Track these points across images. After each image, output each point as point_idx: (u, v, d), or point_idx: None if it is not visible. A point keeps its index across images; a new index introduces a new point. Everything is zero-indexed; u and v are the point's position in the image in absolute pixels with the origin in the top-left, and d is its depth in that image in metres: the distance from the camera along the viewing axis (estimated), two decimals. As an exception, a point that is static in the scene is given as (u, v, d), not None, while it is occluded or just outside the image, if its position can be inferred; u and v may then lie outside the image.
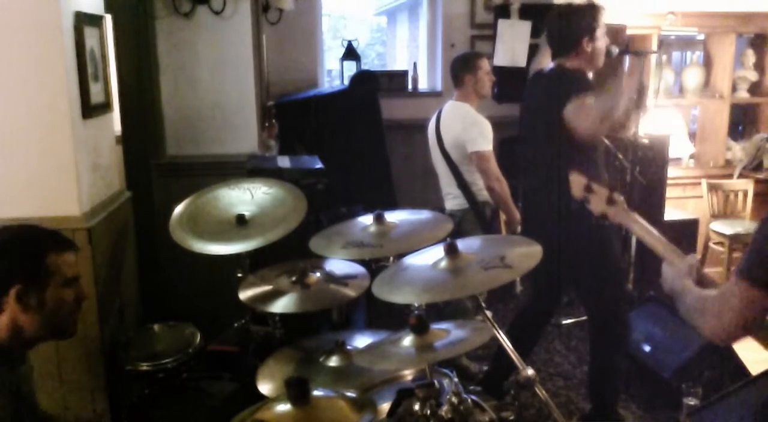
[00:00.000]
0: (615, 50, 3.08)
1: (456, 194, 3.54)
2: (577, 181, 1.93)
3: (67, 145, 2.37)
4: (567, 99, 2.67)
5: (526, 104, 3.26)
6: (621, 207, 1.83)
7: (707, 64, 5.30)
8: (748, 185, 4.89)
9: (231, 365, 2.36)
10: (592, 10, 2.85)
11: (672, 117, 5.10)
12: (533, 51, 4.66)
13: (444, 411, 1.62)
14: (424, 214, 2.38)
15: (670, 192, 4.50)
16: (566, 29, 2.86)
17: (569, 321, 4.20)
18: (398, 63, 10.79)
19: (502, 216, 3.64)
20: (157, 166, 3.49)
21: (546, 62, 3.07)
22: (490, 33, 4.99)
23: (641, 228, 1.77)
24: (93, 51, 2.56)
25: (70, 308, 1.71)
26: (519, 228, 3.50)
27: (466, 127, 3.43)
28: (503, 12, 4.72)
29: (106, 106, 2.74)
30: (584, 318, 4.28)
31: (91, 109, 2.51)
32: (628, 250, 3.96)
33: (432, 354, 1.61)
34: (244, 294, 2.16)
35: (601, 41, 2.90)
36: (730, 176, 5.06)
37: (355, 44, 5.42)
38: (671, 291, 1.59)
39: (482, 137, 3.40)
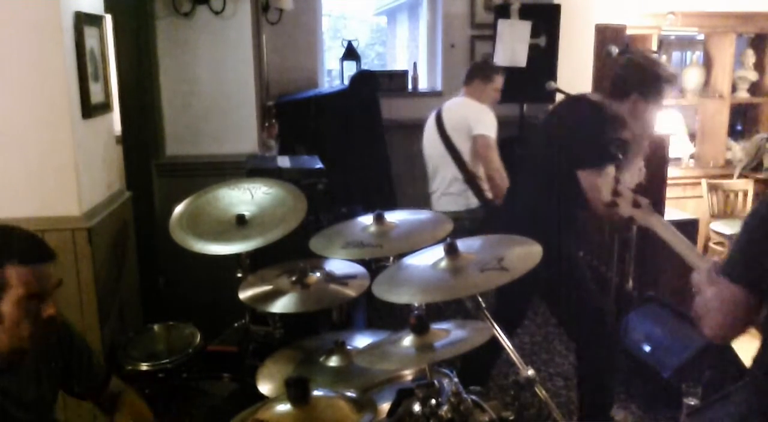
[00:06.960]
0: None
1: (460, 192, 3.54)
2: (606, 185, 1.96)
3: (67, 145, 2.37)
4: None
5: None
6: (647, 209, 1.88)
7: (707, 64, 5.30)
8: (748, 185, 4.89)
9: (231, 365, 2.36)
10: None
11: (672, 117, 5.10)
12: (532, 51, 4.66)
13: (444, 411, 1.62)
14: (424, 214, 2.37)
15: (670, 192, 4.49)
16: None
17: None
18: (398, 63, 10.77)
19: None
20: (157, 166, 3.49)
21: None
22: (490, 33, 4.99)
23: (666, 229, 1.82)
24: (93, 51, 2.56)
25: (28, 328, 1.51)
26: None
27: (473, 112, 3.54)
28: (503, 12, 4.72)
29: (106, 106, 2.74)
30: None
31: (91, 109, 2.51)
32: (629, 250, 3.95)
33: (432, 354, 1.60)
34: (244, 294, 2.16)
35: None
36: (730, 176, 5.05)
37: (355, 44, 5.42)
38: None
39: (489, 123, 3.49)
